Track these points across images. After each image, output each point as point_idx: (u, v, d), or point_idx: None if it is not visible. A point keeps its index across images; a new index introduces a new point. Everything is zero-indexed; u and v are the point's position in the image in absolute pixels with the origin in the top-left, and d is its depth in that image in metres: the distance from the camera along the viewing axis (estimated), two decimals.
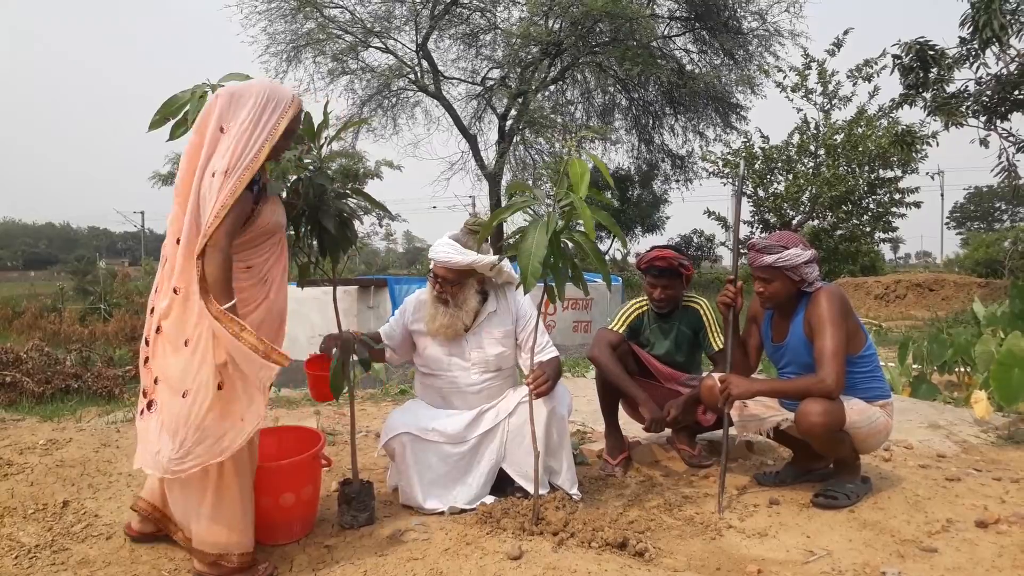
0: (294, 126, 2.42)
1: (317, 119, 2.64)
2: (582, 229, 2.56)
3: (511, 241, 2.57)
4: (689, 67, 19.45)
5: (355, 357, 2.84)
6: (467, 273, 3.01)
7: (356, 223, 2.79)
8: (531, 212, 2.58)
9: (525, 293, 2.55)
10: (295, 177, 2.61)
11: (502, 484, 3.10)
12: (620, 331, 3.58)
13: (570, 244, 2.60)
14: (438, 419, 3.00)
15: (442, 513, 2.88)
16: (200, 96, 2.46)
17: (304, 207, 2.57)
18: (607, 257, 27.39)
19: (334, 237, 2.61)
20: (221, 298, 2.18)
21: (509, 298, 3.18)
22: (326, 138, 2.64)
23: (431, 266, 3.09)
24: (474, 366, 3.08)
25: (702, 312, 3.58)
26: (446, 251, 2.98)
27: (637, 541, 2.56)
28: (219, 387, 2.22)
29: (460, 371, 3.08)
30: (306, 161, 2.61)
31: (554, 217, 2.47)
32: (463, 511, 2.91)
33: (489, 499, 2.97)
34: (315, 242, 2.69)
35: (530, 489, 2.93)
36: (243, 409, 2.27)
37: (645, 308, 3.66)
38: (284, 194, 2.61)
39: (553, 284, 2.58)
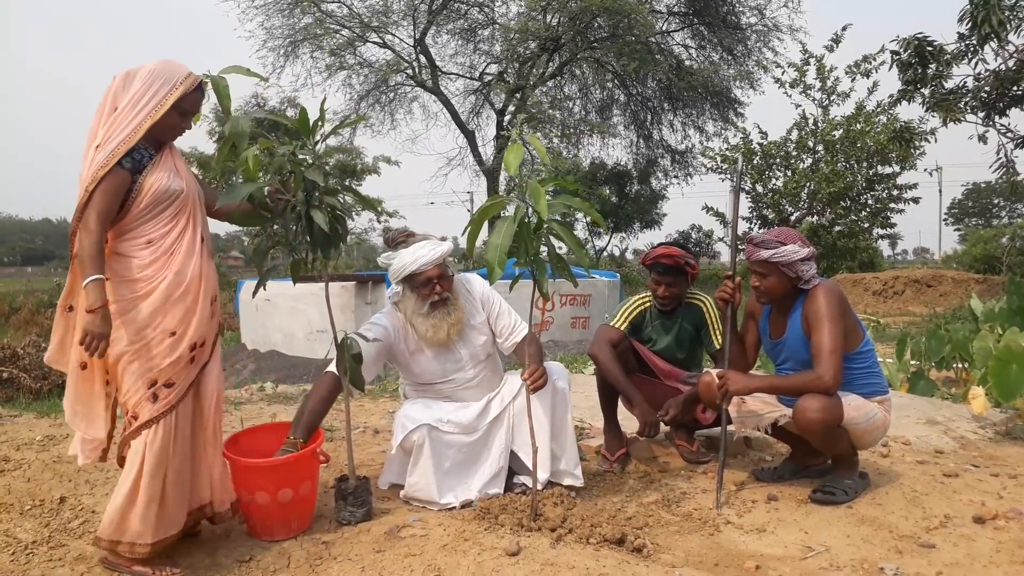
0: (186, 103, 2.37)
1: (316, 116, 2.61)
2: (557, 218, 2.55)
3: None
4: (687, 63, 19.43)
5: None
6: (446, 265, 3.02)
7: (350, 219, 2.75)
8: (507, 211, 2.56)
9: (491, 284, 2.53)
10: (287, 171, 2.56)
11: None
12: (621, 328, 3.57)
13: (553, 238, 2.59)
14: (451, 411, 3.03)
15: (452, 508, 2.89)
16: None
17: (295, 203, 2.54)
18: (604, 253, 27.49)
19: (325, 234, 2.56)
20: (85, 272, 2.19)
21: (466, 287, 3.19)
22: (322, 135, 2.61)
23: (415, 277, 2.96)
24: (468, 362, 3.11)
25: (705, 309, 3.57)
26: (433, 248, 2.94)
27: (635, 537, 2.55)
28: (83, 367, 2.37)
29: (457, 372, 3.11)
30: (300, 157, 2.57)
31: (522, 208, 2.46)
32: (469, 504, 2.91)
33: (493, 489, 2.98)
34: (307, 238, 2.65)
35: (537, 472, 2.93)
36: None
37: (648, 305, 3.65)
38: (269, 188, 2.56)
39: (540, 277, 2.57)
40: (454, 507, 2.89)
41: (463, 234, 2.71)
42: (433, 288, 2.96)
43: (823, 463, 3.24)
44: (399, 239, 3.05)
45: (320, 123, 2.58)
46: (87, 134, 2.34)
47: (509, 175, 2.47)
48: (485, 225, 2.61)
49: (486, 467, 3.02)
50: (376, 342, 3.01)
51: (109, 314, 2.22)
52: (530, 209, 2.49)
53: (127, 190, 2.29)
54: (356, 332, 2.94)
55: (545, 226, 2.53)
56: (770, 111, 21.40)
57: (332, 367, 2.87)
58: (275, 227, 2.68)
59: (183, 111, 2.39)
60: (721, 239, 23.99)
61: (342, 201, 2.65)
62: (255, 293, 2.76)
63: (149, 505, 2.30)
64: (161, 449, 2.32)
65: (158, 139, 2.39)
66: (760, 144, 19.48)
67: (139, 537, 2.30)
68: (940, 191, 46.31)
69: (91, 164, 2.24)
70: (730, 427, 3.13)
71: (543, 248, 2.59)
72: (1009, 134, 10.29)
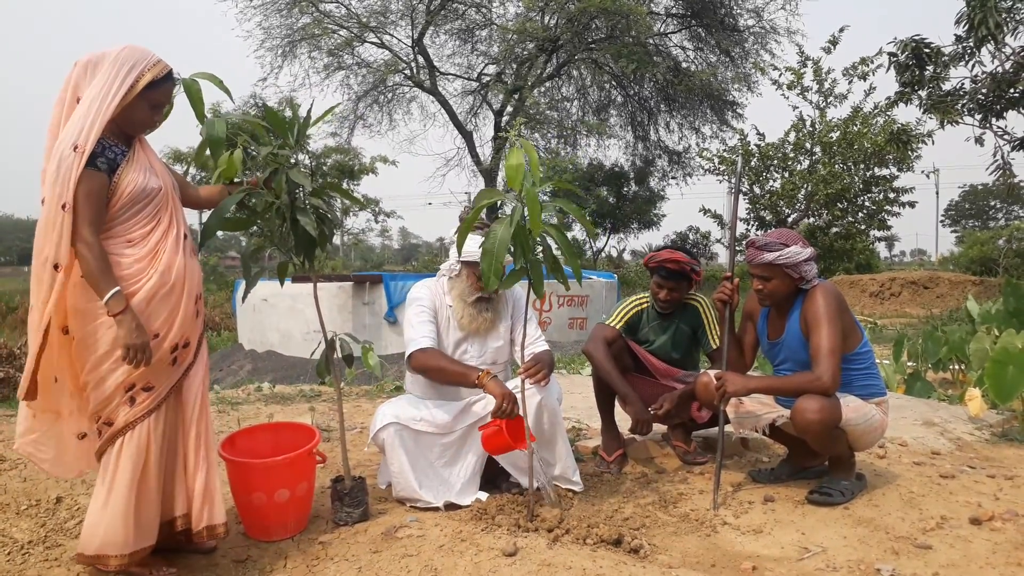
0: (156, 95, 2.24)
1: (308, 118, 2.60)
2: (554, 222, 2.54)
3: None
4: (685, 64, 19.45)
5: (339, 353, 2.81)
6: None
7: (348, 218, 2.75)
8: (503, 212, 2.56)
9: (487, 291, 2.52)
10: (270, 170, 2.51)
11: (496, 479, 3.11)
12: (617, 327, 3.58)
13: (549, 239, 2.58)
14: (426, 409, 3.02)
15: (437, 508, 2.88)
16: None
17: (280, 204, 2.49)
18: (602, 254, 27.49)
19: (310, 236, 2.52)
20: (101, 289, 2.12)
21: (506, 293, 3.19)
22: (297, 133, 2.57)
23: (479, 268, 3.00)
24: (471, 359, 3.11)
25: (701, 310, 3.58)
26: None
27: (632, 538, 2.56)
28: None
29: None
30: (282, 154, 2.52)
31: (519, 211, 2.44)
32: (456, 506, 2.91)
33: (483, 495, 2.97)
34: (292, 240, 2.59)
35: (520, 479, 2.93)
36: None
37: (645, 306, 3.65)
38: (248, 180, 2.53)
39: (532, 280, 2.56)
40: (438, 507, 2.89)
41: (455, 234, 2.71)
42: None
43: (820, 464, 3.24)
44: (479, 223, 3.07)
45: (296, 121, 2.56)
46: (48, 127, 2.20)
47: (511, 188, 2.41)
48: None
49: (461, 471, 3.01)
50: (434, 323, 3.08)
51: (139, 320, 2.15)
52: (527, 211, 2.47)
53: (105, 192, 2.17)
54: (413, 320, 3.01)
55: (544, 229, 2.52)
56: (768, 113, 21.42)
57: (418, 344, 2.94)
58: (263, 230, 2.64)
59: (153, 103, 2.25)
60: (719, 240, 24.04)
61: (339, 202, 2.64)
62: (244, 298, 2.76)
63: (126, 515, 2.20)
64: (138, 455, 2.22)
65: (127, 134, 2.28)
66: (757, 146, 19.50)
67: (114, 548, 2.19)
68: (937, 193, 46.37)
69: (62, 168, 2.09)
70: (728, 428, 3.13)
71: (538, 248, 2.58)
72: (1006, 136, 10.32)
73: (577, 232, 22.80)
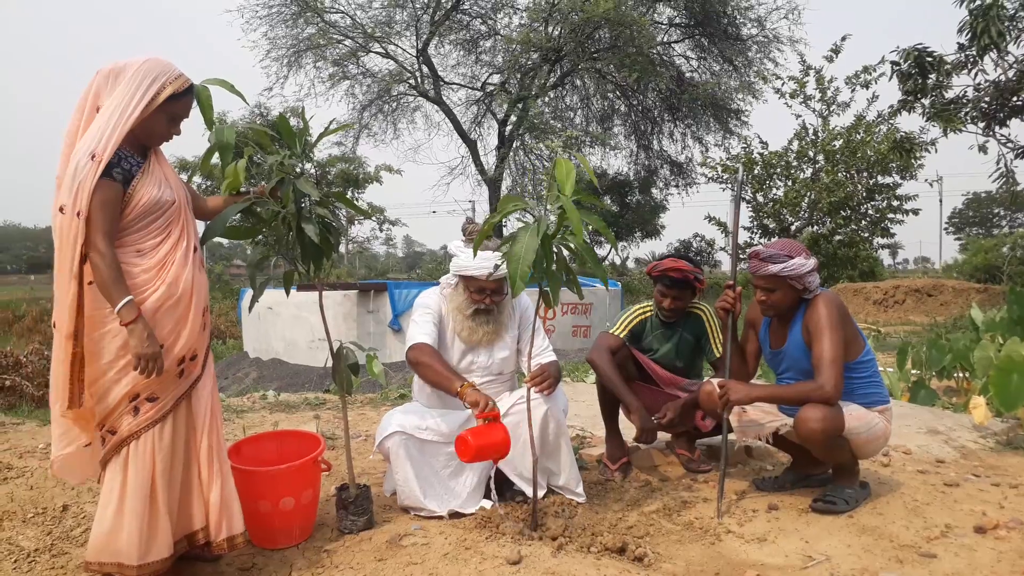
0: (176, 107, 2.25)
1: (315, 127, 2.62)
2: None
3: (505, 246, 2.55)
4: (688, 74, 19.50)
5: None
6: (505, 282, 3.04)
7: (353, 226, 2.77)
8: (524, 217, 2.57)
9: (513, 297, 2.52)
10: (276, 179, 2.52)
11: (500, 488, 3.11)
12: (621, 336, 3.59)
13: (564, 249, 2.59)
14: (432, 418, 3.02)
15: (441, 517, 2.89)
16: None
17: (285, 214, 2.50)
18: (605, 262, 27.50)
19: (316, 245, 2.54)
20: (113, 298, 2.11)
21: (514, 303, 3.20)
22: (306, 143, 2.59)
23: (472, 280, 3.02)
24: (480, 369, 3.12)
25: (705, 318, 3.59)
26: (500, 263, 2.90)
27: (636, 546, 2.56)
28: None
29: (465, 373, 3.10)
30: (290, 163, 2.54)
31: (545, 220, 2.45)
32: (461, 515, 2.91)
33: (487, 503, 2.98)
34: (298, 249, 2.60)
35: (525, 488, 2.94)
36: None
37: (648, 314, 3.66)
38: (254, 190, 2.55)
39: (548, 289, 2.56)
40: (442, 516, 2.89)
41: (454, 246, 2.71)
42: (484, 298, 3.04)
43: (824, 472, 3.24)
44: (473, 229, 3.09)
45: (305, 132, 2.57)
46: (65, 132, 2.20)
47: (562, 196, 2.39)
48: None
49: (466, 480, 3.02)
50: (437, 329, 3.10)
51: (150, 329, 2.14)
52: (551, 222, 2.47)
53: (120, 202, 2.17)
54: (417, 320, 3.04)
55: (562, 239, 2.53)
56: (770, 121, 21.51)
57: (416, 339, 3.00)
58: (268, 239, 2.66)
59: (172, 115, 2.27)
60: (723, 248, 24.02)
61: (344, 211, 2.66)
62: (251, 307, 2.75)
63: (135, 525, 2.17)
64: (144, 466, 2.20)
65: (144, 145, 2.28)
66: (761, 154, 19.54)
67: (126, 558, 2.16)
68: (940, 201, 46.38)
69: (78, 176, 2.08)
70: (731, 436, 3.14)
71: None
72: (1009, 144, 10.34)
73: (586, 238, 22.82)
